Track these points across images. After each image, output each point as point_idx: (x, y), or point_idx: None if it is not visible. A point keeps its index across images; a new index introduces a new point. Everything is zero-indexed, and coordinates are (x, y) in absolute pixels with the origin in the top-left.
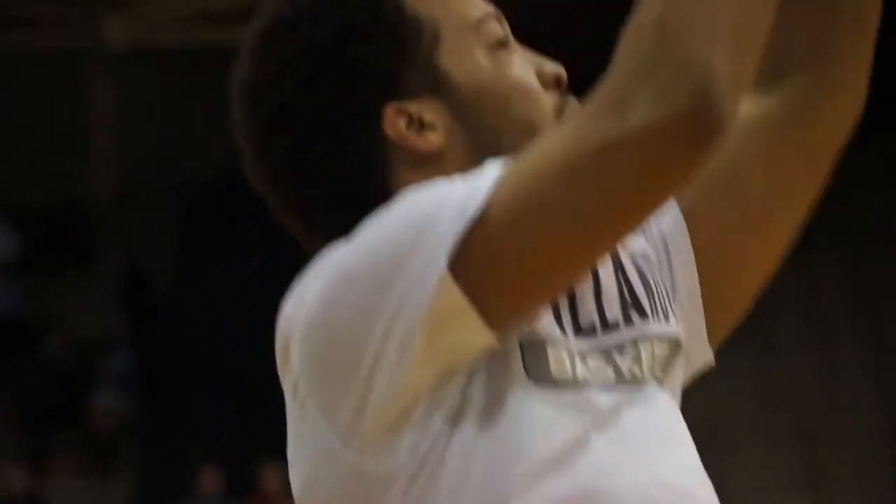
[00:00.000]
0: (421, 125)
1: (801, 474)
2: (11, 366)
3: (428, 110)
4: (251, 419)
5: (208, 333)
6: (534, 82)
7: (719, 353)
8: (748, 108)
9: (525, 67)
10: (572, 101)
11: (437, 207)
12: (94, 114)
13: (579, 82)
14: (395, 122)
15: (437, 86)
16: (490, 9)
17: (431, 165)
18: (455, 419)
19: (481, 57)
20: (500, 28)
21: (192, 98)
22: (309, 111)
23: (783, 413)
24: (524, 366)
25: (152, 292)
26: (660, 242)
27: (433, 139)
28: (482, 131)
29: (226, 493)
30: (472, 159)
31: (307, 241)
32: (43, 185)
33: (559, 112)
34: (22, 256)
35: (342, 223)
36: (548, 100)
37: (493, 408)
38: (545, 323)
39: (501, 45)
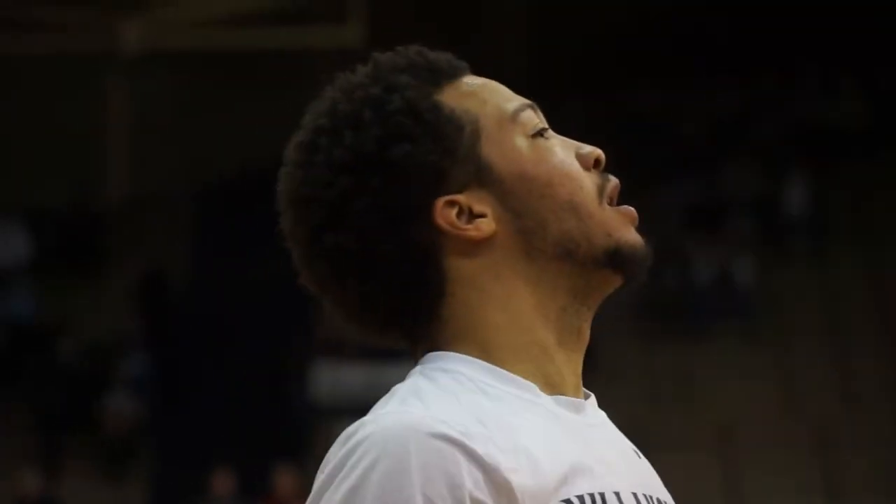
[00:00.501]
0: (471, 215)
1: (817, 480)
2: (26, 369)
3: (476, 201)
4: (265, 422)
5: (222, 337)
6: (574, 165)
7: (738, 359)
8: None
9: (564, 151)
10: (612, 180)
11: None
12: (110, 117)
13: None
14: (446, 213)
15: (481, 177)
16: (525, 101)
17: (483, 251)
18: None
19: (522, 145)
20: (536, 117)
21: (207, 102)
22: (360, 212)
23: (801, 419)
24: None
25: (166, 296)
26: None
27: (484, 226)
28: (528, 216)
29: (239, 495)
30: (520, 244)
31: (364, 332)
32: (58, 188)
33: (601, 191)
34: (37, 260)
35: (398, 310)
36: (589, 180)
37: None
38: None
39: (539, 133)
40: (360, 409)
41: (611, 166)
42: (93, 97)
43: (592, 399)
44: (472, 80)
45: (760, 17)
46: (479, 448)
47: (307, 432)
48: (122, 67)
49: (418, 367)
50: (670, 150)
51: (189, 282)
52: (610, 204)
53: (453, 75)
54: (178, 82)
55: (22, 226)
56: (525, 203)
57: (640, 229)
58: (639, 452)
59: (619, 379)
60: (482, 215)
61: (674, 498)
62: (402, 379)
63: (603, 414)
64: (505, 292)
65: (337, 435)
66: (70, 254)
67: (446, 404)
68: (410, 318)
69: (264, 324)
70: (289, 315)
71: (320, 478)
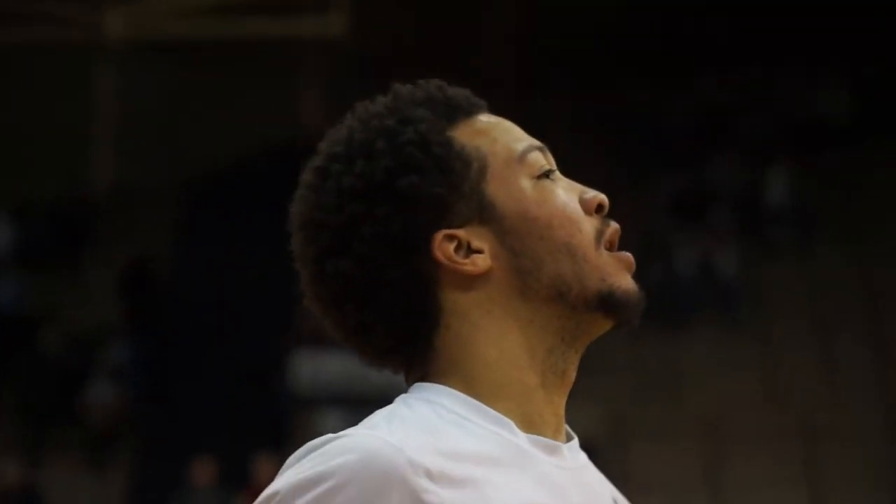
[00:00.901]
0: (469, 250)
1: (800, 471)
2: (9, 360)
3: (476, 237)
4: (246, 412)
5: (205, 327)
6: (576, 208)
7: (722, 350)
8: None
9: (568, 195)
10: (613, 226)
11: None
12: (95, 107)
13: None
14: (444, 246)
15: (484, 213)
16: (534, 142)
17: (478, 286)
18: None
19: (526, 186)
20: (543, 159)
21: (192, 91)
22: (364, 238)
23: (784, 410)
24: None
25: (151, 286)
26: None
27: (480, 262)
28: (525, 256)
29: (220, 485)
30: (515, 282)
31: (361, 355)
32: (43, 178)
33: (599, 235)
34: (21, 250)
35: (395, 337)
36: (589, 224)
37: None
38: None
39: (545, 175)
40: (341, 398)
41: (597, 159)
42: (79, 87)
43: (574, 442)
44: (486, 119)
45: (745, 11)
46: (419, 484)
47: (288, 422)
48: (107, 57)
49: (403, 395)
50: (655, 142)
51: (173, 272)
52: (609, 249)
53: (469, 112)
54: (163, 72)
55: (7, 216)
56: (523, 243)
57: (624, 220)
58: (618, 499)
59: (603, 370)
60: (479, 251)
61: (658, 488)
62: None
63: (583, 457)
64: (496, 329)
65: (318, 424)
66: (55, 244)
67: (412, 432)
68: (407, 347)
69: (247, 314)
70: (271, 305)
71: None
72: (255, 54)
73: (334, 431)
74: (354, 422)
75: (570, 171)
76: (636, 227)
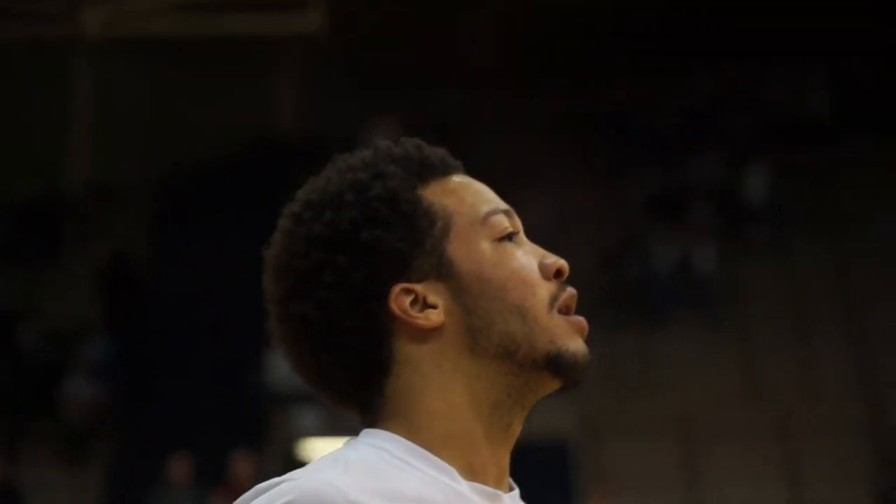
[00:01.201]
0: (425, 304)
1: (778, 467)
2: None
3: (432, 292)
4: (222, 409)
5: (183, 324)
6: (533, 272)
7: (700, 347)
8: None
9: (527, 258)
10: (569, 290)
11: None
12: (73, 104)
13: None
14: (400, 299)
15: (442, 270)
16: (501, 205)
17: (431, 340)
18: None
19: (485, 248)
20: (507, 221)
21: (170, 88)
22: (325, 284)
23: (763, 405)
24: None
25: (129, 283)
26: None
27: (433, 317)
28: (477, 315)
29: (196, 482)
30: (466, 339)
31: (323, 396)
32: (20, 175)
33: (553, 299)
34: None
35: (349, 382)
36: (544, 289)
37: None
38: None
39: (508, 237)
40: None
41: (578, 156)
42: (57, 84)
43: (515, 492)
44: (459, 179)
45: (726, 10)
46: None
47: (265, 419)
48: (85, 54)
49: (351, 440)
50: (636, 139)
51: (151, 269)
52: (565, 313)
53: (444, 172)
54: (141, 69)
55: None
56: (476, 302)
57: (603, 217)
58: None
59: None
60: (434, 306)
61: (635, 485)
62: None
63: None
64: (443, 381)
65: (294, 422)
66: (34, 240)
67: (354, 475)
68: (361, 392)
69: (224, 311)
70: (248, 302)
71: None
72: (232, 51)
73: (311, 429)
74: (330, 420)
75: (552, 167)
76: (615, 224)
